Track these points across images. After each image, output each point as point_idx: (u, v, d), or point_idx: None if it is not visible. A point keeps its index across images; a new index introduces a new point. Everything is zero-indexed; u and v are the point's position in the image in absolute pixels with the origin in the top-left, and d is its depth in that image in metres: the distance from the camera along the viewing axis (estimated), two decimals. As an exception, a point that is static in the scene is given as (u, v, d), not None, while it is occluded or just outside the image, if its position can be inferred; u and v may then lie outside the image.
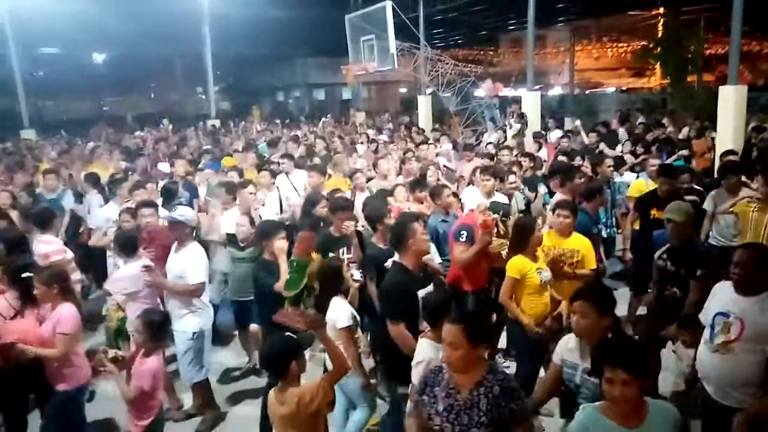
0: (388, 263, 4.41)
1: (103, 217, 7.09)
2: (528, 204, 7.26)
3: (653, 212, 6.03)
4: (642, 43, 25.77)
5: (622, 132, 12.55)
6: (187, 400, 5.33)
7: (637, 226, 6.51)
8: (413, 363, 3.50)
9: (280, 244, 4.76)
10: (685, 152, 9.49)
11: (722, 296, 3.53)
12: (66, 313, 4.13)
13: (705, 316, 3.61)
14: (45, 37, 22.28)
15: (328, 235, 5.36)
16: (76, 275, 5.78)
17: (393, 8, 15.31)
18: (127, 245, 5.11)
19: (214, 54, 21.25)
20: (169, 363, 5.46)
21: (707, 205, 6.26)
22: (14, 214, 6.64)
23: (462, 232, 5.30)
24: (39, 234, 5.74)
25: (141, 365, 3.82)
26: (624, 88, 29.70)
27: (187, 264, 4.92)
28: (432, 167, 8.09)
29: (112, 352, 3.89)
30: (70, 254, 5.80)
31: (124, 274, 5.04)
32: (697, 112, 15.84)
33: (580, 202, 6.00)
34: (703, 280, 4.16)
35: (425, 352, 3.46)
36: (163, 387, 3.98)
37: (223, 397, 5.51)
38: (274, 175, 8.15)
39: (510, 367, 5.39)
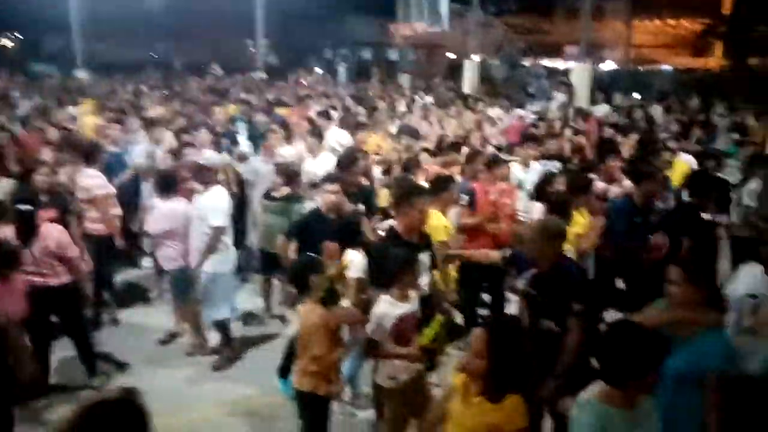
0: None
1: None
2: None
3: None
4: (705, 20, 24.57)
5: (657, 110, 12.06)
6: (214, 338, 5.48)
7: None
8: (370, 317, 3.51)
9: (329, 196, 4.80)
10: (735, 136, 9.14)
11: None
12: None
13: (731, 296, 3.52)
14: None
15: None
16: (116, 210, 5.98)
17: (446, -32, 15.00)
18: (167, 185, 5.30)
19: (265, 7, 21.22)
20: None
21: None
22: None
23: (463, 195, 5.16)
24: (83, 167, 5.90)
25: None
26: (682, 68, 28.40)
27: (209, 206, 5.04)
28: (476, 133, 7.97)
29: None
30: (112, 189, 5.95)
31: (162, 213, 5.24)
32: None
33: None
34: (582, 319, 3.38)
35: (382, 308, 3.47)
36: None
37: (241, 341, 5.61)
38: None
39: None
